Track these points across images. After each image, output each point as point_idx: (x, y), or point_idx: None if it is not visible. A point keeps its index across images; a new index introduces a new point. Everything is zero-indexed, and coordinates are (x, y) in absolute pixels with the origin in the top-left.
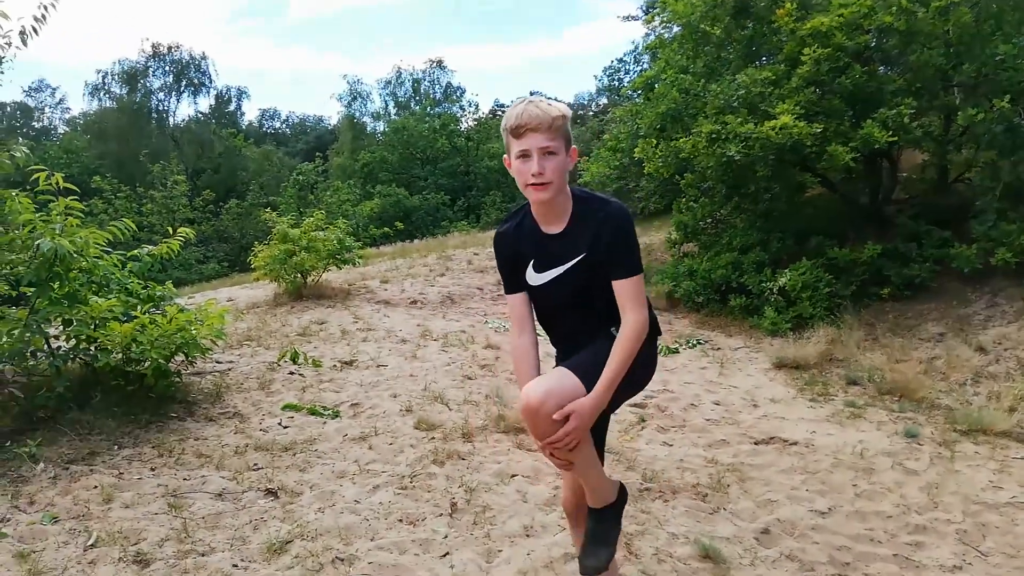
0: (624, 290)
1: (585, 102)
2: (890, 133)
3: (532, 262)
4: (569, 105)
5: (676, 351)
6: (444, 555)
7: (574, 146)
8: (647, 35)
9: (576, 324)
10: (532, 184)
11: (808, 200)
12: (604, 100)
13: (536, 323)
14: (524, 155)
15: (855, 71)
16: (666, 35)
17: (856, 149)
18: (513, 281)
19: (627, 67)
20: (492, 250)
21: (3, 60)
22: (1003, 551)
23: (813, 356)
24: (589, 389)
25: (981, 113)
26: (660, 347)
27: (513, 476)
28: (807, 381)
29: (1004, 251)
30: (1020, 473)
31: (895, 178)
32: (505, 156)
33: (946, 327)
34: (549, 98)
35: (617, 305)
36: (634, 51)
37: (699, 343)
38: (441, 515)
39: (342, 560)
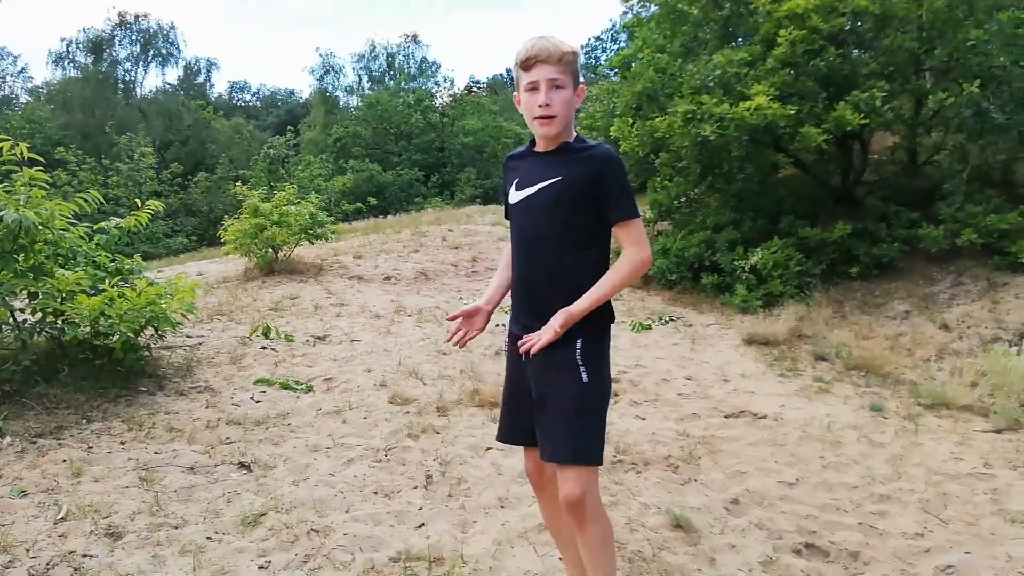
0: (622, 234)
1: None
2: (862, 116)
3: (516, 180)
4: None
5: (649, 327)
6: (419, 526)
7: (582, 84)
8: (624, 14)
9: (535, 268)
10: (539, 117)
11: (781, 180)
12: (581, 79)
13: None
14: (533, 87)
15: (829, 53)
16: (643, 14)
17: (829, 131)
18: (506, 205)
19: (604, 45)
20: (466, 227)
21: None
22: (963, 519)
23: (783, 333)
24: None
25: (951, 97)
26: (633, 324)
27: (488, 449)
28: (776, 357)
29: (970, 232)
30: (980, 446)
31: (866, 160)
32: (515, 94)
33: (912, 305)
34: (558, 38)
35: (580, 277)
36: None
37: (671, 320)
38: (416, 487)
39: (317, 532)
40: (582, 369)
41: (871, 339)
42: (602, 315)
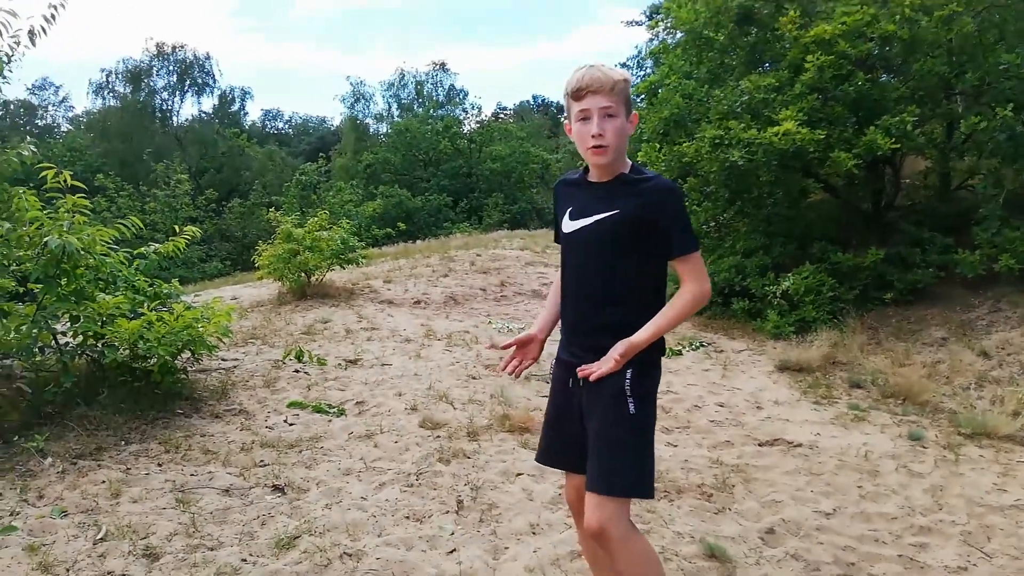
0: (682, 267)
1: None
2: (893, 140)
3: (570, 209)
4: None
5: (680, 353)
6: (451, 552)
7: (635, 112)
8: (650, 40)
9: (588, 298)
10: (592, 147)
11: (811, 205)
12: (633, 107)
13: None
14: (584, 116)
15: (858, 78)
16: (669, 41)
17: (859, 156)
18: (558, 230)
19: (631, 72)
20: (494, 252)
21: (12, 59)
22: (1007, 552)
23: (816, 359)
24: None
25: (984, 121)
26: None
27: (519, 475)
28: (810, 384)
29: (1007, 258)
30: None
31: (898, 184)
32: (565, 122)
33: (949, 332)
34: (609, 66)
35: (634, 308)
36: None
37: (702, 345)
38: (447, 512)
39: (350, 555)
40: (630, 400)
41: (908, 366)
42: (654, 346)
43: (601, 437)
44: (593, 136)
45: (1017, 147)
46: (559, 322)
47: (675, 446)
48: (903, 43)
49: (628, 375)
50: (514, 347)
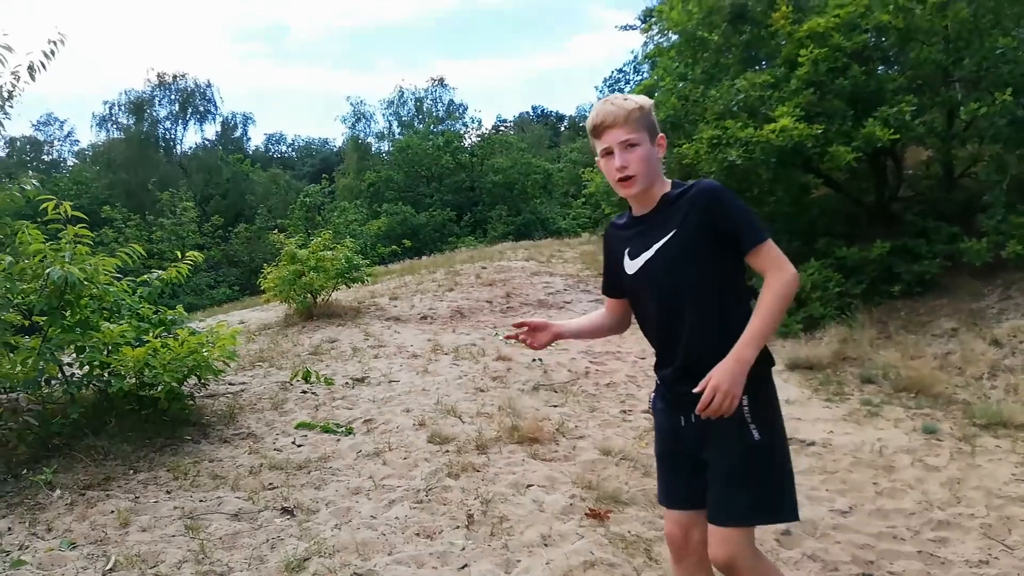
0: (758, 260)
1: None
2: (892, 131)
3: (627, 250)
4: (571, 117)
5: None
6: (463, 567)
7: (661, 134)
8: (645, 44)
9: (678, 328)
10: (619, 180)
11: (814, 201)
12: (658, 129)
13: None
14: (607, 152)
15: (854, 71)
16: (664, 43)
17: (859, 148)
18: (610, 279)
19: (627, 77)
20: (500, 263)
21: (12, 95)
22: None
23: (826, 356)
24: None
25: (984, 107)
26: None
27: (529, 486)
28: (821, 381)
29: (1015, 244)
30: None
31: (900, 175)
32: (597, 159)
33: (959, 322)
34: (624, 96)
35: (726, 322)
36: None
37: None
38: (458, 527)
39: (360, 575)
40: (752, 427)
41: (919, 359)
42: (761, 360)
43: (728, 470)
44: (617, 169)
45: (1019, 132)
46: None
47: None
48: (898, 32)
49: (745, 401)
50: (526, 328)
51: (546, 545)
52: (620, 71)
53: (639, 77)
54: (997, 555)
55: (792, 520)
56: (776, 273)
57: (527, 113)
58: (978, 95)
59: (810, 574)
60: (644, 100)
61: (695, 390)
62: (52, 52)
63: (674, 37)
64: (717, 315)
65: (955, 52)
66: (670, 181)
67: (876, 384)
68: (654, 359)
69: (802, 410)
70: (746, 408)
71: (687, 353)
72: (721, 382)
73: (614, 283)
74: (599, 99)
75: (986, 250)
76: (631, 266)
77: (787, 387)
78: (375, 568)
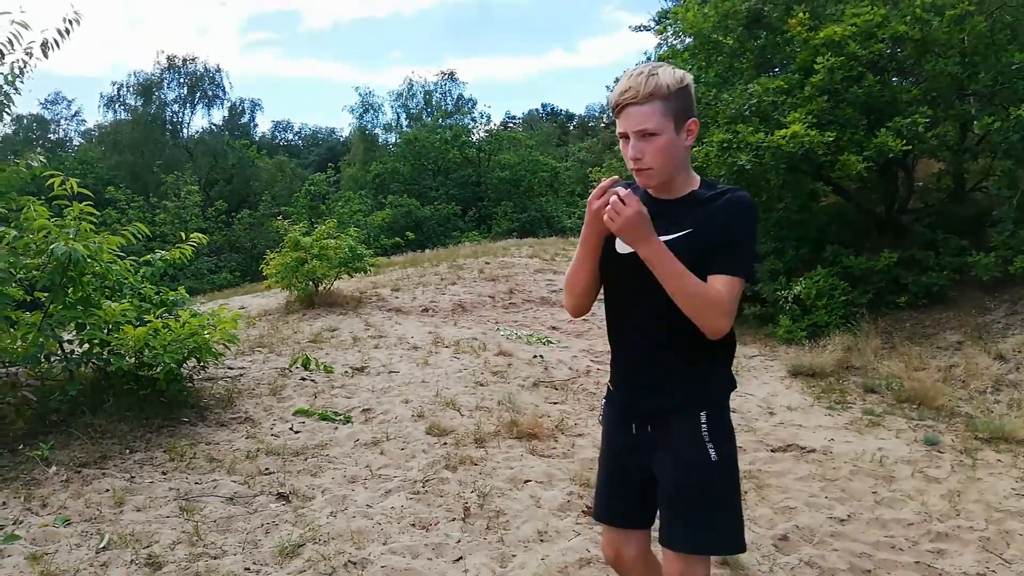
0: (715, 284)
1: (597, 114)
2: (904, 142)
3: None
4: (581, 117)
5: None
6: (457, 559)
7: (693, 118)
8: (659, 46)
9: (647, 331)
10: (634, 169)
11: (823, 209)
12: (691, 112)
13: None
14: (623, 136)
15: (869, 80)
16: (678, 46)
17: (870, 158)
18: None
19: None
20: (503, 259)
21: (24, 72)
22: None
23: (830, 364)
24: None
25: (998, 122)
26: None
27: (526, 482)
28: (824, 389)
29: (1023, 259)
30: None
31: (911, 187)
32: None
33: (964, 335)
34: (655, 67)
35: (703, 343)
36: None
37: None
38: (454, 520)
39: (354, 564)
40: (709, 446)
41: (923, 370)
42: (726, 385)
43: (683, 491)
44: (631, 159)
45: None
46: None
47: None
48: (914, 44)
49: (703, 417)
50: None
51: (542, 541)
52: None
53: None
54: (994, 568)
55: (743, 552)
56: (718, 298)
57: (537, 110)
58: (992, 110)
59: None
60: (676, 77)
61: (605, 182)
62: (67, 31)
63: (688, 39)
64: (692, 335)
65: (971, 66)
66: (700, 178)
67: (879, 394)
68: (610, 357)
69: (804, 417)
70: (704, 425)
71: (652, 359)
72: (626, 212)
73: (605, 255)
74: (634, 68)
75: (994, 264)
76: (624, 246)
77: (789, 394)
78: (370, 557)
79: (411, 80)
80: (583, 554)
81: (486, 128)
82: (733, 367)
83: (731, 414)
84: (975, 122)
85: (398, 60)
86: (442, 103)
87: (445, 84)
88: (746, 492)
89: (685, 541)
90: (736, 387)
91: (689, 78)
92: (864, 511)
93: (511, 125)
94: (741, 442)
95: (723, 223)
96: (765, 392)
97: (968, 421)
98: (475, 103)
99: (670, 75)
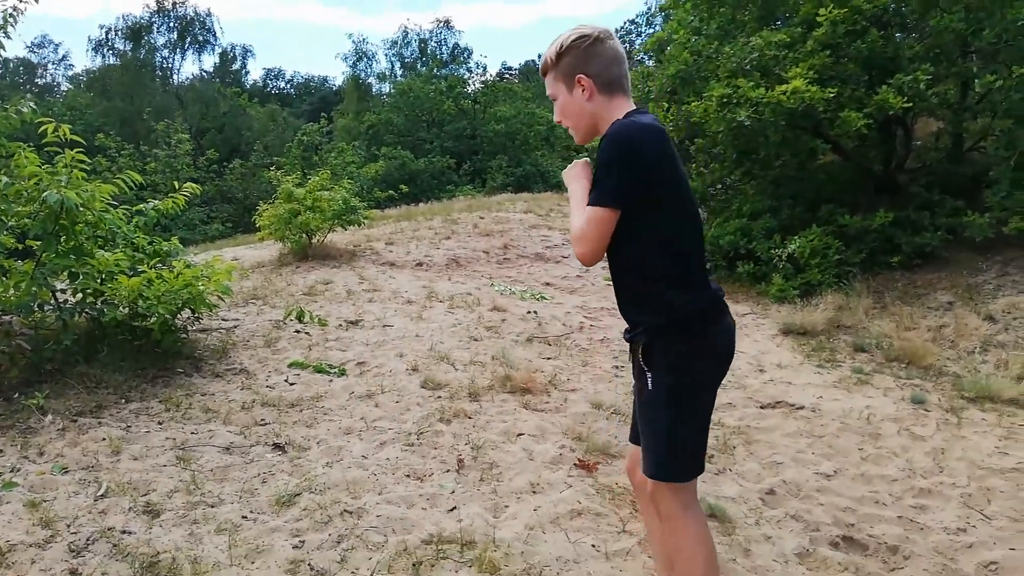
0: None
1: None
2: (905, 100)
3: None
4: None
5: None
6: (451, 509)
7: (580, 74)
8: None
9: (611, 271)
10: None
11: (820, 167)
12: (577, 71)
13: None
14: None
15: (872, 35)
16: None
17: (870, 115)
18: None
19: (639, 29)
20: (498, 214)
21: (16, 16)
22: (1007, 515)
23: (821, 323)
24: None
25: (1000, 80)
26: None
27: (519, 435)
28: (814, 347)
29: (1017, 220)
30: None
31: (909, 146)
32: None
33: (955, 296)
34: (556, 39)
35: (634, 277)
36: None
37: None
38: (448, 471)
39: (350, 513)
40: (648, 374)
41: (913, 330)
42: (672, 313)
43: (637, 415)
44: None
45: None
46: None
47: None
48: None
49: (643, 348)
50: None
51: (534, 492)
52: (632, 22)
53: (651, 29)
54: (975, 524)
55: (673, 481)
56: (575, 229)
57: (533, 62)
58: (994, 68)
59: (791, 533)
60: (556, 45)
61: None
62: None
63: None
64: (634, 270)
65: (975, 22)
66: (620, 117)
67: (868, 353)
68: None
69: (793, 375)
70: (641, 352)
71: (616, 291)
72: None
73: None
74: None
75: (988, 225)
76: None
77: (780, 351)
78: (365, 506)
79: (406, 28)
80: (574, 505)
81: (482, 79)
82: None
83: (702, 348)
84: (976, 81)
85: (392, 6)
86: (437, 52)
87: (441, 32)
88: (734, 447)
89: (645, 464)
90: (706, 322)
91: (573, 37)
92: (850, 467)
93: (507, 76)
94: (730, 398)
95: (598, 159)
96: (756, 350)
97: (955, 380)
98: (471, 53)
99: (555, 47)
